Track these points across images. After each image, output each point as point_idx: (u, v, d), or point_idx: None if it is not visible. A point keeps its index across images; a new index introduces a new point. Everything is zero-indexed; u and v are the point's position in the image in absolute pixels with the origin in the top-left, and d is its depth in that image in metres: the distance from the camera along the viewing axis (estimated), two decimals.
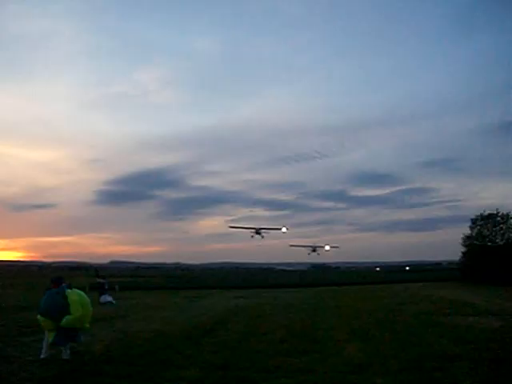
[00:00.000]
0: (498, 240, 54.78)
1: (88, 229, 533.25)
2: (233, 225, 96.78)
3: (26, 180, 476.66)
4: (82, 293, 12.12)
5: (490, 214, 55.40)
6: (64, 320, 11.27)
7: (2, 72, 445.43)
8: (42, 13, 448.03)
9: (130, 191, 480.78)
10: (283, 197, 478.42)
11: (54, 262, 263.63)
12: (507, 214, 54.59)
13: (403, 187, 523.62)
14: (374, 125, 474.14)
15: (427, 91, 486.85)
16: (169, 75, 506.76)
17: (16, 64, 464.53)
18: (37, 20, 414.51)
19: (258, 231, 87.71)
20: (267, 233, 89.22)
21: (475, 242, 55.57)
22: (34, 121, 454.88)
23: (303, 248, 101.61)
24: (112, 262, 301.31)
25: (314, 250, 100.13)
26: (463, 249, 56.87)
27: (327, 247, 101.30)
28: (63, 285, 11.91)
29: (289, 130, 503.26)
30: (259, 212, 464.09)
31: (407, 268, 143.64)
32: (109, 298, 31.36)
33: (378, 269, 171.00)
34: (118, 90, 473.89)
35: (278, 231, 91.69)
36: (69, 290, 11.76)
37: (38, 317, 11.66)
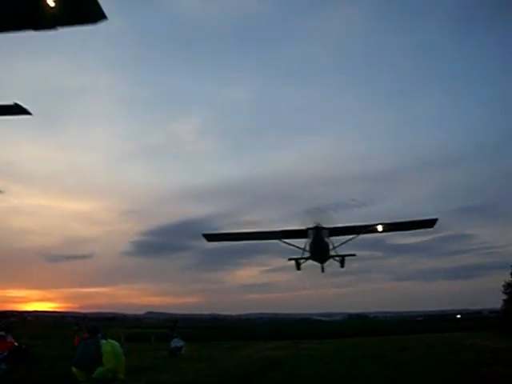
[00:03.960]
0: None
1: (124, 279, 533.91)
2: None
3: (62, 231, 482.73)
4: (116, 343, 12.05)
5: None
6: (96, 371, 11.21)
7: (40, 124, 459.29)
8: (81, 66, 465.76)
9: (166, 242, 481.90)
10: None
11: (90, 313, 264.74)
12: None
13: (441, 234, 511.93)
14: (409, 171, 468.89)
15: (461, 135, 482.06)
16: (204, 125, 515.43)
17: (53, 116, 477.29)
18: (75, 73, 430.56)
19: None
20: None
21: None
22: (71, 172, 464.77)
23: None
24: (148, 313, 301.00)
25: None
26: (504, 296, 55.21)
27: (380, 228, 30.08)
28: (98, 335, 11.90)
29: (324, 179, 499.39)
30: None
31: (458, 316, 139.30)
32: (179, 344, 31.96)
33: (421, 318, 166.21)
34: (154, 141, 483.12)
35: None
36: (103, 341, 11.71)
37: (73, 368, 11.63)
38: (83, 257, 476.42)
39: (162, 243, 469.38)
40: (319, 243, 22.95)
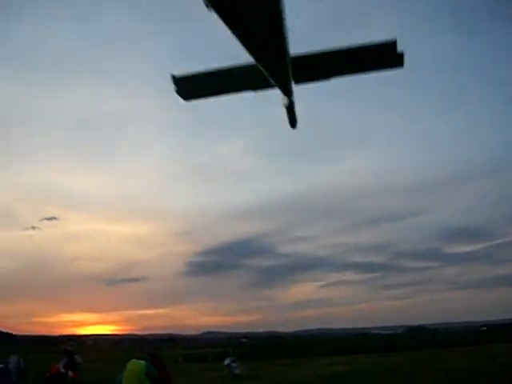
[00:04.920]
0: None
1: (180, 300, 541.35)
2: None
3: (118, 255, 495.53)
4: (141, 363, 11.40)
5: None
6: None
7: (91, 152, 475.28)
8: (124, 93, 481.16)
9: (220, 261, 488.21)
10: (375, 259, 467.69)
11: (147, 335, 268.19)
12: None
13: (498, 241, 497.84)
14: (464, 178, 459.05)
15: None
16: (251, 144, 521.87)
17: (102, 144, 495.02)
18: (119, 100, 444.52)
19: None
20: None
21: None
22: (123, 197, 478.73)
23: None
24: (205, 333, 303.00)
25: None
26: None
27: None
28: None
29: (376, 190, 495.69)
30: (350, 276, 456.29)
31: None
32: (226, 362, 31.87)
33: (484, 328, 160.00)
34: (202, 163, 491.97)
35: None
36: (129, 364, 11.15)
37: None
38: (139, 279, 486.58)
39: (216, 263, 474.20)
40: None
